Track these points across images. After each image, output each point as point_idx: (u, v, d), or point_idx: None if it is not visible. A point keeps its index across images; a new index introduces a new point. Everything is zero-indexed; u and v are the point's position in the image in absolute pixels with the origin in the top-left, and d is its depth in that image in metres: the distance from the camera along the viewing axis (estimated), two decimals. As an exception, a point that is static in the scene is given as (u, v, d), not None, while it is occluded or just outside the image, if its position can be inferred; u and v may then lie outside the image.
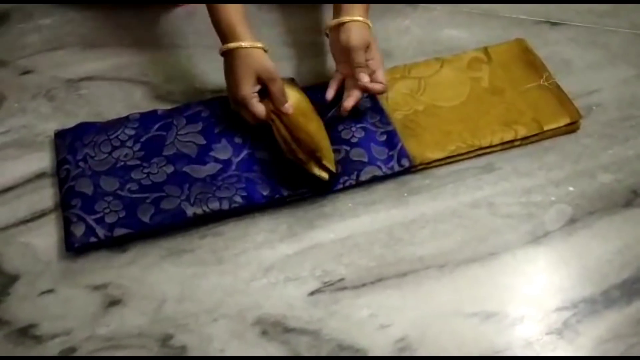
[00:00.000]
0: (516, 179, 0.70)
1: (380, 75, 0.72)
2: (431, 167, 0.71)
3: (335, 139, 0.72)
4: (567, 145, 0.74)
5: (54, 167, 0.70)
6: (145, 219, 0.63)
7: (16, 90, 0.77)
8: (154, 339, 0.57)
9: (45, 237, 0.64)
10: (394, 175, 0.70)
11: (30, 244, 0.63)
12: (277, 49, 0.81)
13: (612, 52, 0.85)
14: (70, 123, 0.73)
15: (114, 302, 0.59)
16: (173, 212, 0.64)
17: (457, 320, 0.59)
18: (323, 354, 0.56)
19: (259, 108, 0.69)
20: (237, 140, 0.72)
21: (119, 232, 0.63)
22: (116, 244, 0.63)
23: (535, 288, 0.62)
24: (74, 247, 0.62)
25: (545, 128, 0.74)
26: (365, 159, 0.70)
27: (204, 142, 0.71)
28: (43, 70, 0.80)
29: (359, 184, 0.69)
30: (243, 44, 0.68)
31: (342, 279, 0.62)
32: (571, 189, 0.70)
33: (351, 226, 0.66)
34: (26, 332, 0.57)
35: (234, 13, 0.70)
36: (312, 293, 0.61)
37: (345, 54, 0.72)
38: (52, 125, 0.74)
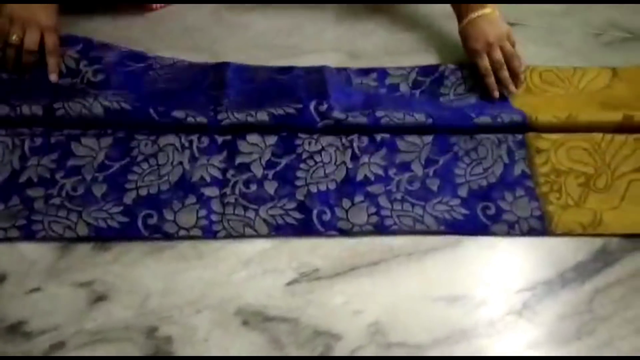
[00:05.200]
0: (478, 171, 0.75)
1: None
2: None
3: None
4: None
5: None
6: None
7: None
8: (139, 331, 0.59)
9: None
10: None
11: (16, 244, 0.65)
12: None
13: (566, 49, 0.91)
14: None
15: (99, 298, 0.62)
16: None
17: (426, 304, 0.63)
18: (301, 340, 0.60)
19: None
20: None
21: None
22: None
23: (497, 272, 0.67)
24: None
25: None
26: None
27: None
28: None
29: None
30: None
31: (317, 270, 0.65)
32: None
33: (325, 219, 0.70)
34: (16, 329, 0.59)
35: None
36: (289, 283, 0.64)
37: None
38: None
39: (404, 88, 0.83)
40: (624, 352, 0.60)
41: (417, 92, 0.83)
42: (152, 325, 0.60)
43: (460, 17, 0.84)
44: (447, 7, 0.87)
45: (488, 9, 0.82)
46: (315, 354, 0.59)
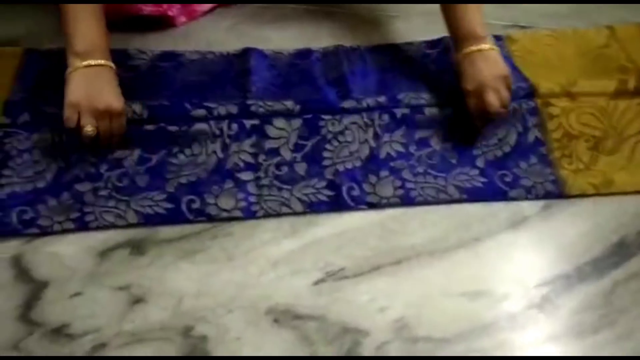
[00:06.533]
0: (495, 171, 0.77)
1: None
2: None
3: None
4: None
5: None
6: None
7: None
8: (176, 331, 0.63)
9: (69, 245, 0.69)
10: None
11: (57, 252, 0.68)
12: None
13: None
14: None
15: (137, 301, 0.65)
16: None
17: (449, 300, 0.66)
18: (330, 336, 0.62)
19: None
20: None
21: None
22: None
23: (517, 268, 0.69)
24: None
25: None
26: None
27: None
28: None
29: None
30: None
31: (342, 269, 0.68)
32: (545, 177, 0.77)
33: (348, 221, 0.73)
34: (60, 332, 0.62)
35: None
36: (316, 283, 0.67)
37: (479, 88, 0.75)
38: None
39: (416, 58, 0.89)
40: (643, 343, 0.62)
41: (427, 60, 0.89)
42: (187, 325, 0.63)
43: (457, 46, 0.78)
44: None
45: (487, 45, 0.76)
46: (344, 349, 0.61)
